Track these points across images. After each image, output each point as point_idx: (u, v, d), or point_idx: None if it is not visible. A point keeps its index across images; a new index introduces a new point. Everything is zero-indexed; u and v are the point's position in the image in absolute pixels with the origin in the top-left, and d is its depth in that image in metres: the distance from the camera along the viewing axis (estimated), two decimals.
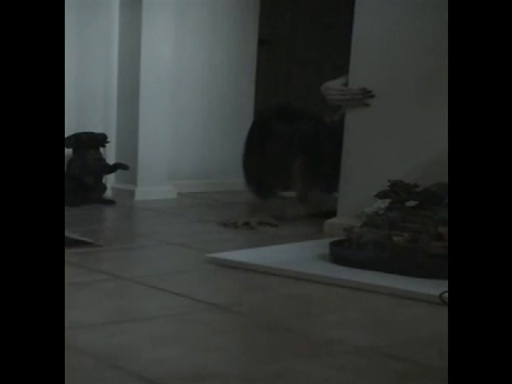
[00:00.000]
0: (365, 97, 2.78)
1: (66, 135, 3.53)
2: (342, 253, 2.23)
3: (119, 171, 3.77)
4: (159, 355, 1.43)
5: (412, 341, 1.59)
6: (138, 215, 3.55)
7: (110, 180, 3.89)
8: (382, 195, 2.33)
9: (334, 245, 2.29)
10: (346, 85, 2.89)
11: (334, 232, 2.69)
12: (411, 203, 2.26)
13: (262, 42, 4.66)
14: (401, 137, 2.79)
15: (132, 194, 3.84)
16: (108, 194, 3.81)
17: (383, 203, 2.29)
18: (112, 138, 3.84)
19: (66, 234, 2.38)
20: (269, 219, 3.01)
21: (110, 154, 3.89)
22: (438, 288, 1.88)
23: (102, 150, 3.72)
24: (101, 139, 3.68)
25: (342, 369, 1.39)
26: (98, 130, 3.77)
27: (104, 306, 1.81)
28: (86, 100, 3.89)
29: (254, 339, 1.59)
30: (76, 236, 2.53)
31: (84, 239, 2.51)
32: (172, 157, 4.03)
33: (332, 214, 2.94)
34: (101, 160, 3.70)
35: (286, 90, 5.21)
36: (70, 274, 1.94)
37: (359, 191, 2.80)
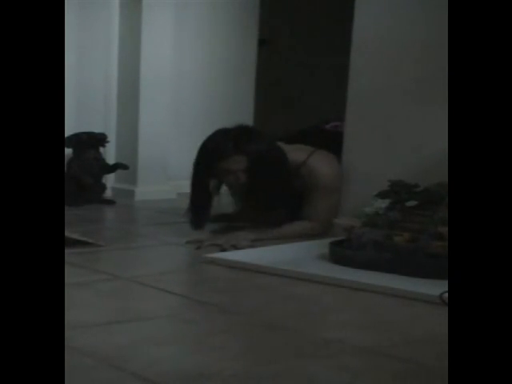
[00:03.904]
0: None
1: (66, 135, 3.53)
2: (342, 253, 2.23)
3: (119, 171, 3.77)
4: (159, 355, 1.43)
5: (412, 341, 1.59)
6: (138, 215, 3.55)
7: (109, 180, 3.89)
8: (382, 195, 2.33)
9: (334, 245, 2.29)
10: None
11: (334, 232, 2.70)
12: (411, 203, 2.26)
13: (262, 42, 4.66)
14: (401, 137, 2.78)
15: (132, 193, 3.85)
16: (108, 193, 3.81)
17: (383, 203, 2.29)
18: (112, 137, 3.84)
19: (66, 234, 2.38)
20: (244, 242, 2.55)
21: (110, 154, 3.89)
22: (438, 288, 1.88)
23: (101, 149, 3.72)
24: (101, 139, 3.68)
25: (342, 369, 1.39)
26: (98, 129, 3.77)
27: (104, 306, 1.81)
28: (86, 100, 3.89)
29: (254, 339, 1.59)
30: (76, 236, 2.53)
31: (84, 239, 2.51)
32: (172, 157, 4.03)
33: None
34: (100, 160, 3.70)
35: (286, 90, 5.21)
36: (70, 274, 1.94)
37: (359, 191, 2.80)
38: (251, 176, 2.70)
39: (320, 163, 2.88)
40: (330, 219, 2.85)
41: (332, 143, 3.00)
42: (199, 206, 2.77)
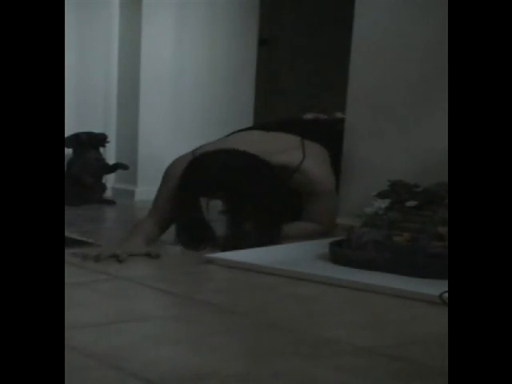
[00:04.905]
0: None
1: (66, 135, 3.54)
2: (342, 253, 2.23)
3: (119, 171, 3.77)
4: (159, 355, 1.43)
5: (412, 341, 1.59)
6: (138, 215, 3.55)
7: (109, 180, 3.89)
8: (382, 195, 2.33)
9: (333, 245, 2.28)
10: None
11: (334, 232, 2.70)
12: (411, 203, 2.26)
13: (262, 42, 4.66)
14: (401, 136, 2.79)
15: (132, 193, 3.85)
16: (108, 193, 3.81)
17: (383, 203, 2.29)
18: (112, 138, 3.85)
19: (66, 234, 2.38)
20: (145, 250, 2.40)
21: (110, 154, 3.90)
22: (438, 288, 1.88)
23: (101, 149, 3.73)
24: (101, 139, 3.69)
25: (342, 369, 1.39)
26: (98, 130, 3.78)
27: (104, 306, 1.81)
28: (86, 100, 3.89)
29: (253, 339, 1.59)
30: (76, 236, 2.53)
31: (84, 239, 2.51)
32: (172, 156, 4.03)
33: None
34: (101, 160, 3.70)
35: (286, 91, 5.21)
36: (70, 274, 1.94)
37: (359, 191, 2.80)
38: (230, 203, 2.59)
39: (314, 166, 2.81)
40: (332, 220, 2.83)
41: (314, 132, 2.95)
42: (190, 227, 2.60)
